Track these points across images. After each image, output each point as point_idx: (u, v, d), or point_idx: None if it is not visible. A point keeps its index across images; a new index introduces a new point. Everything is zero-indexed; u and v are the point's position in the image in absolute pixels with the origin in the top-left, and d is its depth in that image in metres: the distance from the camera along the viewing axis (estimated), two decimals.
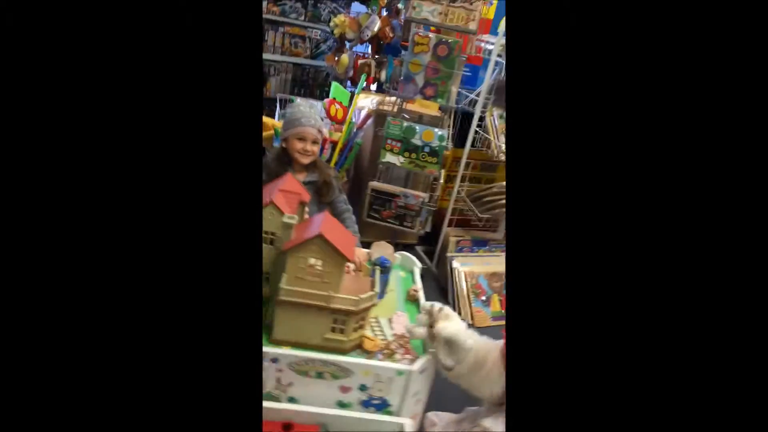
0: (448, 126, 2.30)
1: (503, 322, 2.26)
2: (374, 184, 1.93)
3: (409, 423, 0.91)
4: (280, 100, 3.07)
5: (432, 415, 1.08)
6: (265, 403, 0.87)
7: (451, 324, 0.92)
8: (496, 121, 2.18)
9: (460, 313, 2.15)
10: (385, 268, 1.17)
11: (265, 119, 2.01)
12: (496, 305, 2.28)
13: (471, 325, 1.92)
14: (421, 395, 0.97)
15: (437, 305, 0.95)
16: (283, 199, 0.98)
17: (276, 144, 1.91)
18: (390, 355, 0.97)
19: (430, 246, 2.54)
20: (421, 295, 1.18)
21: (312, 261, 0.89)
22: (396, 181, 2.17)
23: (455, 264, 2.26)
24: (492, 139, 2.18)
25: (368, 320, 1.00)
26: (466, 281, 2.22)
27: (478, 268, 2.32)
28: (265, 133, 1.97)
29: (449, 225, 2.40)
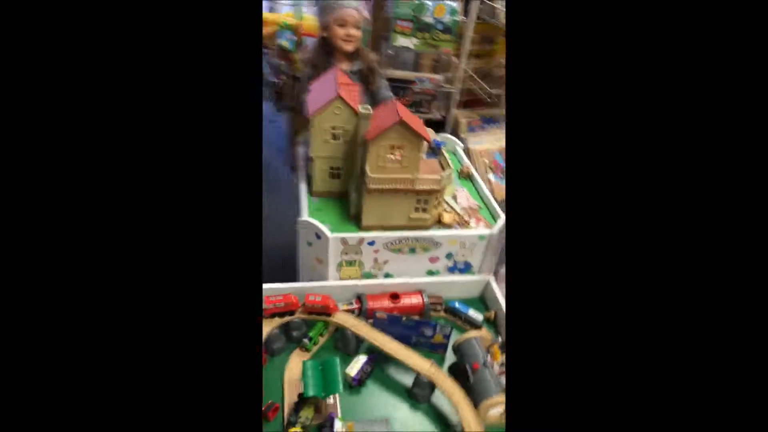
0: None
1: None
2: (389, 71, 1.88)
3: (492, 278, 1.04)
4: None
5: (503, 269, 1.23)
6: (367, 281, 0.98)
7: None
8: None
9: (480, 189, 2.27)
10: (437, 149, 1.21)
11: (265, 14, 1.86)
12: None
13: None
14: (495, 254, 1.09)
15: None
16: (346, 92, 0.98)
17: (280, 40, 1.80)
18: (465, 225, 1.07)
19: (439, 132, 2.56)
20: (474, 171, 1.25)
21: (395, 146, 0.92)
22: (404, 66, 2.11)
23: (470, 144, 2.31)
24: (497, 6, 2.08)
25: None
26: (483, 159, 2.30)
27: (492, 145, 2.39)
28: (265, 30, 1.84)
29: (457, 107, 2.39)
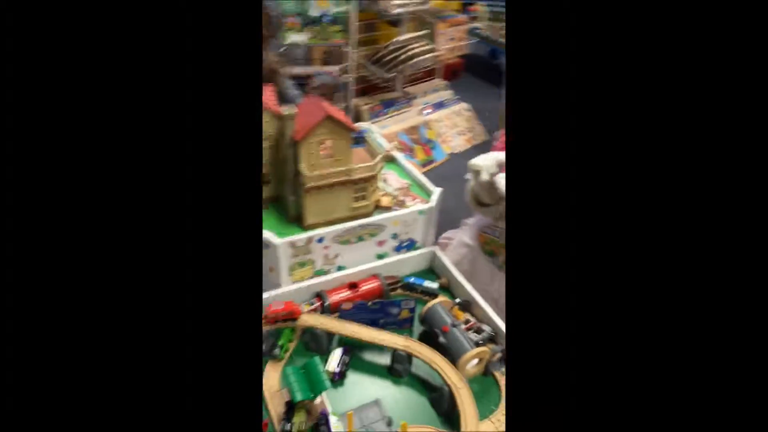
0: None
1: (433, 166, 2.53)
2: (287, 70, 1.85)
3: (437, 248, 1.11)
4: None
5: (444, 237, 1.31)
6: (319, 279, 0.99)
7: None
8: None
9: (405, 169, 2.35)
10: (362, 137, 1.24)
11: None
12: (421, 154, 2.52)
13: None
14: (434, 226, 1.16)
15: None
16: (267, 97, 0.96)
17: None
18: (402, 204, 1.12)
19: None
20: (398, 154, 1.31)
21: (325, 142, 0.93)
22: (296, 62, 2.08)
23: (374, 128, 2.37)
24: None
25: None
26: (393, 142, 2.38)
27: (395, 126, 2.48)
28: None
29: (356, 96, 2.44)
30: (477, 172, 0.99)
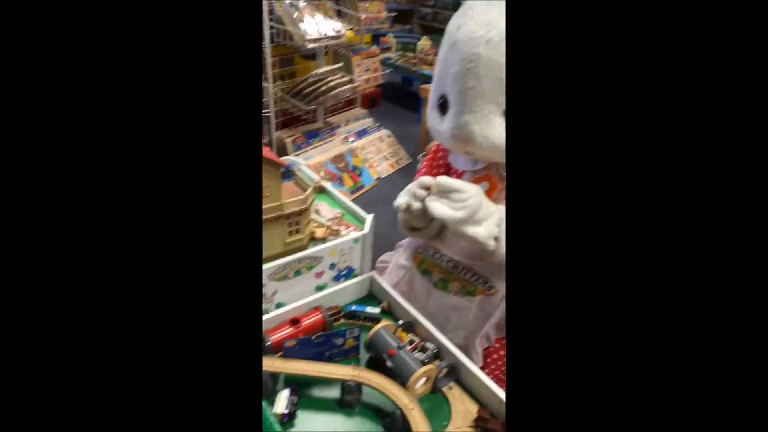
0: None
1: (362, 192, 2.57)
2: None
3: (374, 273, 1.13)
4: None
5: (380, 261, 1.33)
6: (263, 317, 0.96)
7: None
8: (288, 9, 2.17)
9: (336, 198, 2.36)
10: (290, 171, 1.24)
11: None
12: (349, 182, 2.55)
13: None
14: (370, 251, 1.18)
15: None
16: None
17: None
18: (337, 234, 1.13)
19: None
20: (327, 184, 1.32)
21: None
22: None
23: (300, 160, 2.37)
24: (291, 29, 2.18)
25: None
26: (319, 172, 2.39)
27: (322, 156, 2.50)
28: None
29: (277, 129, 2.43)
30: (407, 208, 0.99)
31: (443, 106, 0.98)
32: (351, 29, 2.49)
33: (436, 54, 1.38)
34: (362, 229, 1.12)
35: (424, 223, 1.07)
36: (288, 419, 0.83)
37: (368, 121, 3.01)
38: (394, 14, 3.14)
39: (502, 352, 1.09)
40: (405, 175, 2.79)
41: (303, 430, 0.82)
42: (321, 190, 1.31)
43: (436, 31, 4.63)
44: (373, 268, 1.20)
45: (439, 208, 0.94)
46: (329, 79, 2.27)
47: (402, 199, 0.99)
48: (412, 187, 0.99)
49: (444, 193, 0.94)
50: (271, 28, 2.15)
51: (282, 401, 0.84)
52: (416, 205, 0.97)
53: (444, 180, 0.93)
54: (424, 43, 3.96)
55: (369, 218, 1.14)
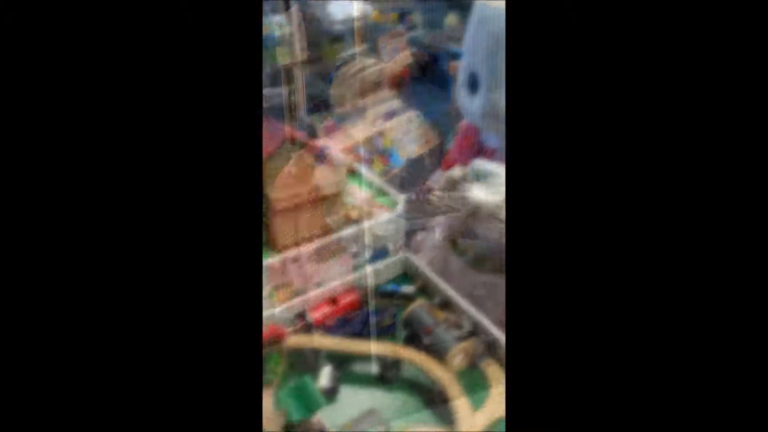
0: None
1: (394, 173, 2.57)
2: None
3: (409, 253, 1.15)
4: None
5: (414, 240, 1.34)
6: (302, 297, 1.00)
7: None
8: None
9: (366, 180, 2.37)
10: (321, 155, 1.26)
11: None
12: (380, 164, 2.56)
13: None
14: (403, 231, 1.19)
15: None
16: None
17: None
18: (370, 215, 1.15)
19: None
20: (358, 166, 1.34)
21: (288, 164, 0.95)
22: None
23: (331, 144, 2.39)
24: (318, 12, 2.17)
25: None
26: (348, 155, 2.40)
27: (351, 140, 2.51)
28: None
29: (307, 114, 2.45)
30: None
31: (473, 84, 0.96)
32: (376, 10, 2.46)
33: (463, 30, 1.35)
34: (394, 210, 1.13)
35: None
36: (332, 393, 0.87)
37: (396, 103, 2.98)
38: None
39: None
40: (434, 155, 2.76)
41: (345, 406, 0.86)
42: (353, 173, 1.33)
43: (463, 7, 4.49)
44: (407, 248, 1.22)
45: (476, 194, 0.94)
46: (357, 61, 2.26)
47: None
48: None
49: (480, 177, 0.94)
50: (298, 10, 2.15)
51: (325, 376, 0.88)
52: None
53: (480, 164, 0.93)
54: (451, 19, 3.85)
55: (401, 198, 1.15)
